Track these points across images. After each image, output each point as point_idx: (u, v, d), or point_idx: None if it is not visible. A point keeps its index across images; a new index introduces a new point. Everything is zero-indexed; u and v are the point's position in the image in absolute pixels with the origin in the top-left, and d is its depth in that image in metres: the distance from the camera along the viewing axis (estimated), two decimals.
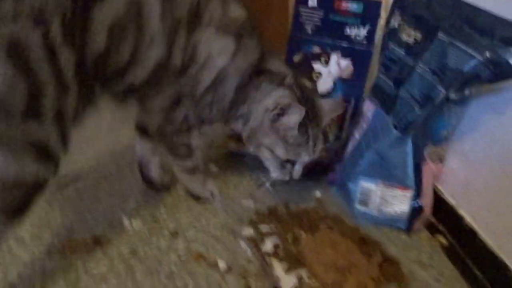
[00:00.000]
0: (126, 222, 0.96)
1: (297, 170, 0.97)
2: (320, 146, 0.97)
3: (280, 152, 0.93)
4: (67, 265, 0.82)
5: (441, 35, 0.88)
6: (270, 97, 0.91)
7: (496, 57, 0.80)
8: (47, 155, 0.61)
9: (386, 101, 1.00)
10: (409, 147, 0.99)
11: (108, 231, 0.92)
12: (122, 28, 0.68)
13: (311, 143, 0.93)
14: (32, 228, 0.90)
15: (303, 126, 0.91)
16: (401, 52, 0.98)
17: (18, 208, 0.60)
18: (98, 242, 0.88)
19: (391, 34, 1.01)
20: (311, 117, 0.93)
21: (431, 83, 0.87)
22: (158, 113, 0.90)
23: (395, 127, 0.94)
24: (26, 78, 0.57)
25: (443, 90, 0.85)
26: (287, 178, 0.97)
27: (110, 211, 0.99)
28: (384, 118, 1.00)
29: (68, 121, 0.64)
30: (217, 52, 0.86)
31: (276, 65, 0.95)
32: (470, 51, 0.81)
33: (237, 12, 0.88)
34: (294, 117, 0.87)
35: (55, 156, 0.62)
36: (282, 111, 0.88)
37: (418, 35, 0.94)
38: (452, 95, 0.92)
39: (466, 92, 0.94)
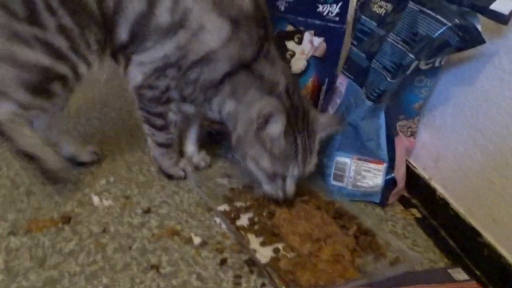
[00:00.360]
0: (96, 200, 0.92)
1: (289, 184, 0.91)
2: (313, 159, 0.92)
3: (265, 164, 0.88)
4: (34, 243, 0.79)
5: (411, 4, 0.88)
6: (255, 106, 0.87)
7: (465, 23, 0.81)
8: (60, 55, 0.79)
9: (359, 74, 1.01)
10: (381, 119, 0.99)
11: (77, 210, 0.89)
12: None
13: (300, 155, 0.88)
14: None
15: (290, 136, 0.87)
16: (373, 23, 0.98)
17: (39, 87, 0.80)
18: (66, 220, 0.85)
19: (363, 6, 1.02)
20: (302, 128, 0.89)
21: (402, 52, 0.88)
22: (140, 69, 0.89)
23: (368, 98, 0.94)
24: None
25: (414, 57, 0.86)
26: (280, 194, 0.91)
27: (80, 190, 0.95)
28: (357, 91, 1.00)
29: (76, 37, 0.79)
30: (210, 29, 0.84)
31: (271, 71, 0.90)
32: (439, 17, 0.82)
33: (242, 2, 0.86)
34: (275, 126, 0.84)
35: (68, 58, 0.80)
36: (265, 121, 0.84)
37: (389, 6, 0.95)
38: (423, 64, 0.93)
39: (436, 62, 0.95)
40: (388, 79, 0.90)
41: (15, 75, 0.78)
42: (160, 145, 1.01)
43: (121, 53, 0.89)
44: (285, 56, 1.18)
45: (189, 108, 0.98)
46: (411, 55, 0.86)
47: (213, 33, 0.85)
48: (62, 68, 0.81)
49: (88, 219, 0.87)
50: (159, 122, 0.96)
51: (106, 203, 0.92)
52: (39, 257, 0.76)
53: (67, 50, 0.80)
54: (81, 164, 1.03)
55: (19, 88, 0.79)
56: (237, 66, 0.88)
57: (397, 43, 0.90)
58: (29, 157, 0.84)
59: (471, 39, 0.82)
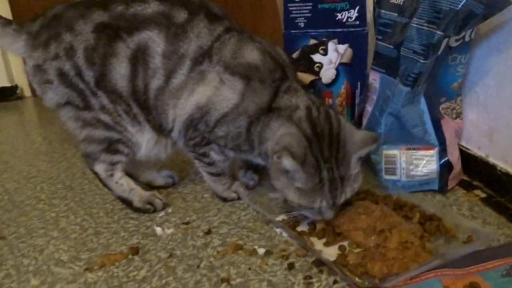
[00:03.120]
0: (159, 230, 0.96)
1: (325, 212, 0.85)
2: (347, 188, 0.85)
3: (292, 197, 0.85)
4: (109, 275, 0.82)
5: None
6: (275, 137, 0.88)
7: None
8: (109, 126, 0.99)
9: (390, 65, 1.02)
10: (422, 104, 0.98)
11: (143, 241, 0.92)
12: (137, 61, 0.93)
13: (326, 187, 0.83)
14: (70, 250, 0.91)
15: (312, 168, 0.82)
16: (393, 14, 1.00)
17: (112, 149, 1.01)
18: (135, 251, 0.88)
19: (380, 1, 1.04)
20: (329, 156, 0.83)
21: (429, 32, 0.88)
22: (177, 132, 1.00)
23: (404, 84, 0.94)
24: (73, 89, 0.97)
25: (442, 34, 0.86)
26: (318, 218, 0.88)
27: (142, 224, 0.99)
28: (392, 82, 1.01)
29: (113, 112, 0.98)
30: (228, 85, 0.92)
31: (289, 99, 0.91)
32: None
33: (249, 57, 0.93)
34: (289, 162, 0.81)
35: (115, 127, 0.99)
36: (278, 156, 0.82)
37: None
38: (453, 42, 0.93)
39: (466, 37, 0.95)
40: (421, 61, 0.90)
41: (99, 147, 1.01)
42: (212, 174, 1.06)
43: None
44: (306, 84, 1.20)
45: (229, 153, 1.02)
46: (439, 33, 0.87)
47: (231, 89, 0.92)
48: (115, 135, 1.00)
49: (154, 247, 0.90)
50: (206, 160, 1.03)
51: (169, 231, 0.95)
52: (115, 286, 0.78)
53: (111, 123, 0.99)
54: (159, 187, 1.14)
55: (102, 153, 1.01)
56: (258, 114, 0.92)
57: (422, 25, 0.91)
58: (122, 200, 1.06)
59: (495, 3, 0.82)
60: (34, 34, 0.97)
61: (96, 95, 0.96)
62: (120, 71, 0.94)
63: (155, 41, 0.92)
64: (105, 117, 0.98)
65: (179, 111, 0.96)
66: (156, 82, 0.94)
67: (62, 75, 0.95)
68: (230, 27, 0.97)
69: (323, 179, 0.83)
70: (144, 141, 1.02)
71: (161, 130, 1.01)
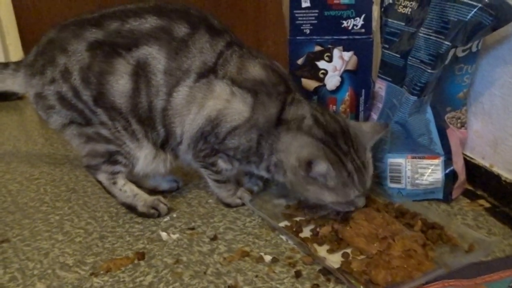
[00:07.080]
0: (164, 235, 0.96)
1: (357, 201, 0.89)
2: (370, 172, 0.91)
3: (327, 198, 0.88)
4: (115, 280, 0.82)
5: None
6: (292, 151, 0.90)
7: (495, 1, 0.82)
8: (108, 139, 0.99)
9: (396, 74, 1.02)
10: (429, 113, 0.99)
11: (149, 246, 0.92)
12: (138, 77, 0.93)
13: (355, 178, 0.87)
14: (75, 254, 0.90)
15: (338, 164, 0.86)
16: (400, 24, 1.01)
17: (112, 160, 1.01)
18: (141, 256, 0.88)
19: (388, 10, 1.05)
20: (346, 149, 0.88)
21: (436, 42, 0.89)
22: (185, 148, 1.01)
23: (411, 94, 0.95)
24: (74, 110, 0.98)
25: (450, 44, 0.87)
26: (352, 209, 0.90)
27: (147, 229, 0.99)
28: (398, 91, 1.01)
29: (112, 128, 0.98)
30: (238, 98, 0.92)
31: (291, 112, 0.93)
32: (468, 1, 0.83)
33: (254, 72, 0.94)
34: (320, 166, 0.84)
35: (114, 141, 0.99)
36: (307, 165, 0.85)
37: (414, 4, 0.97)
38: (460, 52, 0.94)
39: (473, 47, 0.95)
40: (429, 71, 0.91)
41: (101, 160, 1.02)
42: (217, 181, 1.06)
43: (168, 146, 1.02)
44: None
45: (236, 163, 1.02)
46: (447, 43, 0.87)
47: (242, 102, 0.92)
48: (113, 148, 1.00)
49: (161, 252, 0.90)
50: (213, 168, 1.03)
51: (174, 236, 0.95)
52: None
53: (111, 137, 0.99)
54: (163, 192, 1.14)
55: (103, 164, 1.02)
56: (267, 126, 0.93)
57: (430, 35, 0.91)
58: (127, 206, 1.05)
59: (504, 15, 0.83)
60: (30, 64, 0.99)
61: (96, 113, 0.97)
62: (118, 88, 0.93)
63: (155, 57, 0.91)
64: (105, 131, 0.99)
65: (188, 126, 0.96)
66: (160, 101, 0.94)
67: (61, 99, 0.96)
68: (231, 42, 0.97)
69: (350, 171, 0.87)
70: (142, 156, 1.02)
71: (166, 145, 1.01)
